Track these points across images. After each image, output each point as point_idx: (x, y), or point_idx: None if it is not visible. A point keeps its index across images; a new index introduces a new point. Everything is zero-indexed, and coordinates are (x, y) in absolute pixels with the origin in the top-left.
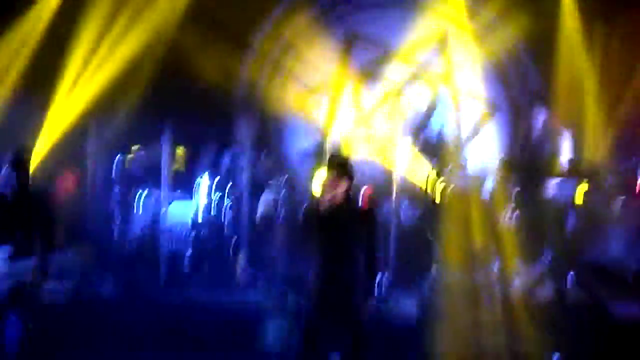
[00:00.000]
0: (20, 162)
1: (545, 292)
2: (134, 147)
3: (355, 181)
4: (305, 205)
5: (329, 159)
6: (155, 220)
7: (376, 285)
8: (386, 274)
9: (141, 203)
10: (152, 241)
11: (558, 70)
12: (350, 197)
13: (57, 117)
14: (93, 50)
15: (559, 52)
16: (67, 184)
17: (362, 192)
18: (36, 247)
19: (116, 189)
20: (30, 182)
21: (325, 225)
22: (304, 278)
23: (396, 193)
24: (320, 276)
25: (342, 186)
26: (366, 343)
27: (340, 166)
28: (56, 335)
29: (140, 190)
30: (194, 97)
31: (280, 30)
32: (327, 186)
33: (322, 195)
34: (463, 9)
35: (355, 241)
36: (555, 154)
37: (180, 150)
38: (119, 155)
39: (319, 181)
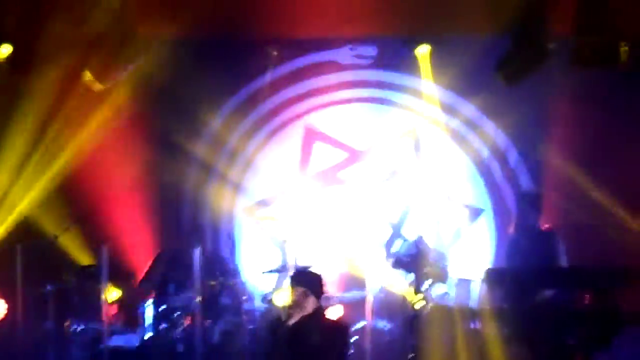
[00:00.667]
0: None
1: None
2: (67, 277)
3: (323, 297)
4: (270, 326)
5: (294, 274)
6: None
7: None
8: None
9: (78, 338)
10: None
11: (550, 168)
12: (319, 314)
13: None
14: (21, 168)
15: (549, 148)
16: None
17: (332, 308)
18: None
19: (49, 323)
20: None
21: (294, 346)
22: None
23: (371, 308)
24: None
25: (310, 303)
26: None
27: (307, 282)
28: None
29: (76, 325)
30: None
31: (224, 138)
32: (294, 304)
33: (288, 315)
34: (438, 105)
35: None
36: (549, 260)
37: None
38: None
39: (283, 299)
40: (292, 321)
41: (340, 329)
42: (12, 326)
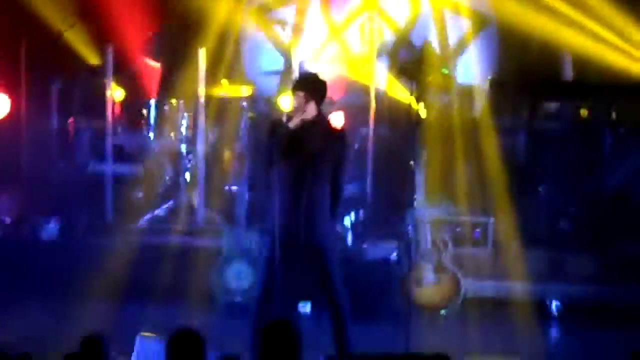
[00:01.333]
0: None
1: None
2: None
3: (326, 102)
4: (269, 127)
5: (298, 77)
6: (99, 155)
7: (351, 224)
8: (362, 211)
9: (82, 136)
10: (96, 180)
11: None
12: (320, 119)
13: None
14: None
15: None
16: None
17: (333, 114)
18: None
19: (53, 120)
20: None
21: (292, 149)
22: (266, 214)
23: (374, 114)
24: (284, 208)
25: (312, 107)
26: (341, 290)
27: (310, 85)
28: None
29: (80, 122)
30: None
31: None
32: (295, 107)
33: (289, 117)
34: None
35: (325, 168)
36: (554, 72)
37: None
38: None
39: (285, 102)
40: (292, 125)
41: (339, 135)
42: (16, 123)
